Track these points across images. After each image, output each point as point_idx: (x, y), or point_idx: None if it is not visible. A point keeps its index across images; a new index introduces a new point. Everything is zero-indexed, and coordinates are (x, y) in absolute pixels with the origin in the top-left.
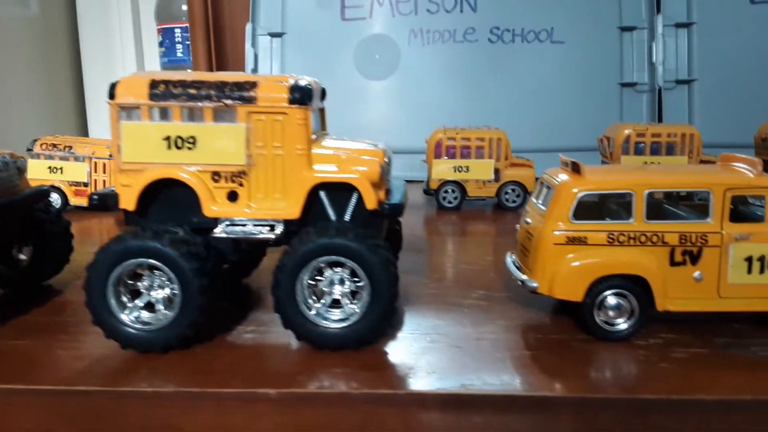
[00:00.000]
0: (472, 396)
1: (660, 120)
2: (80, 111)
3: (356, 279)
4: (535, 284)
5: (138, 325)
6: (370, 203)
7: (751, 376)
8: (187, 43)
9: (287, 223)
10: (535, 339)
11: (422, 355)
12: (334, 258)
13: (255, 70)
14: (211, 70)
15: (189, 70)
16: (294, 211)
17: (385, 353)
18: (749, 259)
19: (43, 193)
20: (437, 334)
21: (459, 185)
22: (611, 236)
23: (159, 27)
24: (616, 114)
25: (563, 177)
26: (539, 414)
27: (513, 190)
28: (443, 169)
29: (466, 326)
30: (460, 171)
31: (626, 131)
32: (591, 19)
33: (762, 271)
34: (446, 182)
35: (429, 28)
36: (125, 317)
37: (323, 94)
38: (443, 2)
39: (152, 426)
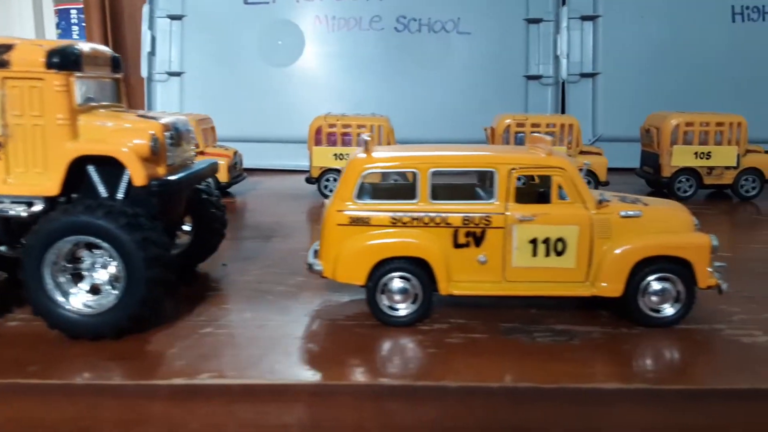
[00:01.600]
0: (204, 386)
1: (563, 112)
2: None
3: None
4: (320, 267)
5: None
6: (138, 179)
7: (516, 361)
8: (84, 24)
9: (50, 200)
10: (321, 325)
11: (186, 343)
12: (83, 238)
13: (152, 53)
14: None
15: None
16: (53, 187)
17: (147, 342)
18: (534, 242)
19: (215, 168)
20: (218, 322)
21: (341, 173)
22: (394, 217)
23: (56, 8)
24: (521, 106)
25: (353, 156)
26: (277, 402)
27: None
28: (323, 157)
29: (250, 312)
30: (341, 158)
31: (506, 121)
32: (497, 10)
33: (548, 254)
34: (328, 170)
35: (334, 14)
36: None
37: (116, 63)
38: None
39: None
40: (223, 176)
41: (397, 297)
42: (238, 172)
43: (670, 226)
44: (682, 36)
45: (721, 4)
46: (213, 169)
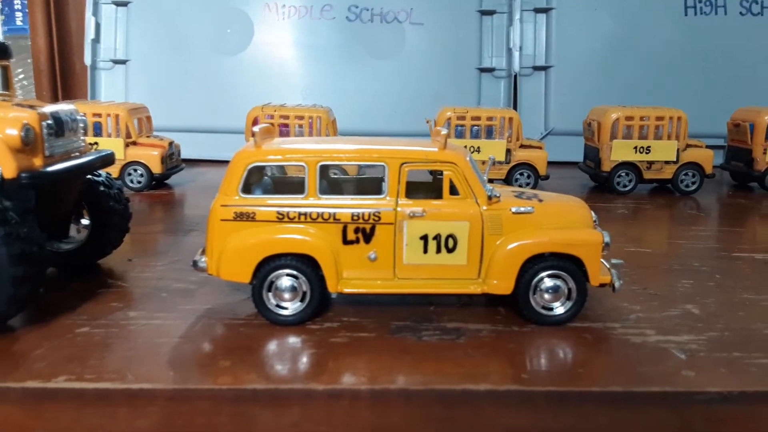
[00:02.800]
0: (57, 390)
1: (515, 106)
2: None
3: None
4: (204, 264)
5: None
6: (7, 171)
7: (394, 360)
8: (27, 11)
9: None
10: (205, 325)
11: (55, 343)
12: None
13: (96, 40)
14: (50, 40)
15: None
16: None
17: (15, 341)
18: (425, 238)
19: (110, 159)
20: (98, 321)
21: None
22: (280, 212)
23: None
24: (474, 98)
25: (241, 148)
26: (131, 407)
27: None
28: None
29: (137, 311)
30: None
31: (447, 114)
32: (451, 1)
33: (438, 250)
34: None
35: (284, 3)
36: None
37: (4, 50)
38: None
39: None
40: (156, 167)
41: (286, 295)
42: (174, 163)
43: (565, 222)
44: (635, 29)
45: None
46: (106, 160)
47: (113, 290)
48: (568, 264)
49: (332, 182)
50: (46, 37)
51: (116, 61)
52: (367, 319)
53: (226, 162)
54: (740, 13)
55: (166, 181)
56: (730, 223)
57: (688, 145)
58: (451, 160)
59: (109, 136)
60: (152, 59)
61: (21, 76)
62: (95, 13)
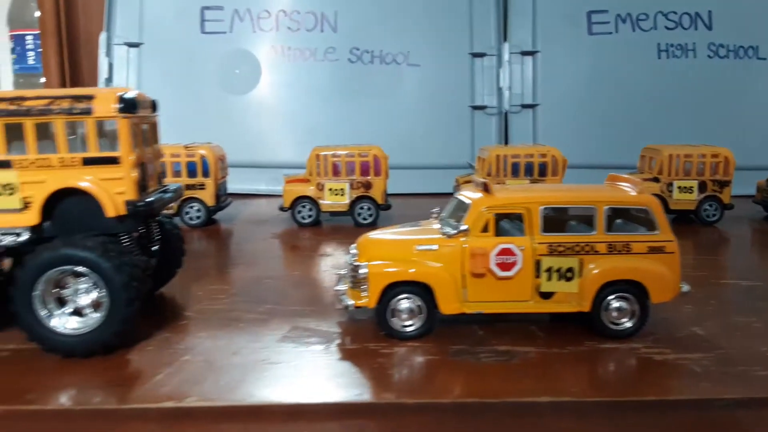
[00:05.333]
0: (191, 409)
1: (506, 141)
2: None
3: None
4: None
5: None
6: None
7: (463, 379)
8: (39, 50)
9: None
10: (292, 351)
11: (167, 370)
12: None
13: (109, 80)
14: (63, 78)
15: (42, 80)
16: None
17: (131, 370)
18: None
19: (181, 192)
20: (194, 350)
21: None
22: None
23: (11, 33)
24: (468, 134)
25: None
26: (251, 424)
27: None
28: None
29: (224, 340)
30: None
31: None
32: (445, 44)
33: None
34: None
35: (290, 45)
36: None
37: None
38: (304, 21)
39: None
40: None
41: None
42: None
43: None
44: (613, 70)
45: (648, 42)
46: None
47: (193, 321)
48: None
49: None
50: (58, 76)
51: None
52: (426, 344)
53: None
54: (708, 56)
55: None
56: (720, 252)
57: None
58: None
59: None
60: (163, 98)
61: None
62: (108, 53)
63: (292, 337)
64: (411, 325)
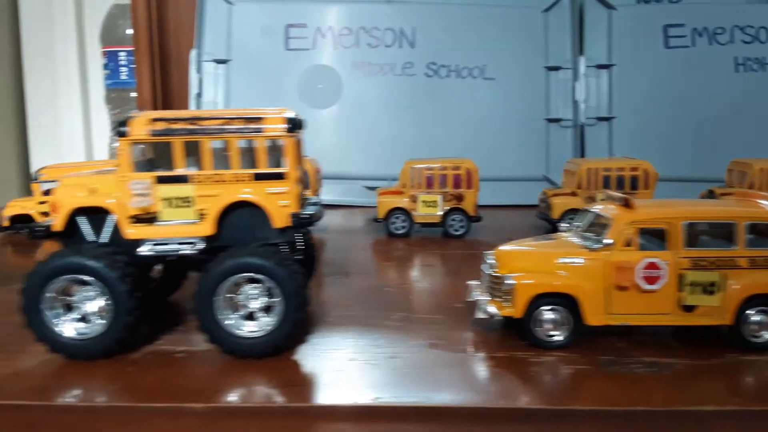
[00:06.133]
0: (376, 408)
1: (583, 154)
2: (21, 132)
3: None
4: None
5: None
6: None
7: (624, 389)
8: (132, 66)
9: None
10: (445, 356)
11: (339, 371)
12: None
13: (200, 94)
14: (154, 93)
15: (133, 94)
16: None
17: (304, 370)
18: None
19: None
20: (354, 353)
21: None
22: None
23: (103, 50)
24: (543, 147)
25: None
26: (432, 424)
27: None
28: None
29: (381, 346)
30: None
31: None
32: (520, 58)
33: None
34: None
35: (370, 60)
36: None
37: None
38: (383, 38)
39: None
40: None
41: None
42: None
43: None
44: (689, 84)
45: (725, 56)
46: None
47: (336, 326)
48: None
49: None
50: (150, 91)
51: None
52: (572, 354)
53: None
54: None
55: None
56: None
57: None
58: None
59: None
60: None
61: None
62: (198, 70)
63: (439, 344)
64: (556, 335)
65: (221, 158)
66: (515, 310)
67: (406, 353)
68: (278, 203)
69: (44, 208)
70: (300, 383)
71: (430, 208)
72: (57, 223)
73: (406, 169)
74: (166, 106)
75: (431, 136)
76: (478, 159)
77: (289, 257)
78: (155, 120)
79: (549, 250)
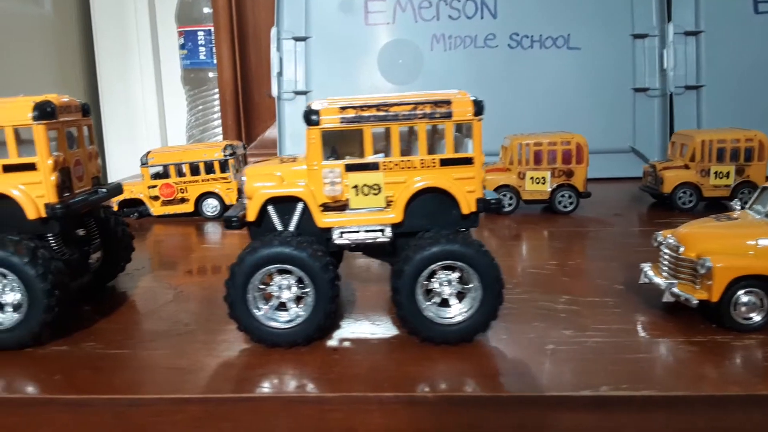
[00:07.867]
0: (607, 397)
1: (671, 124)
2: (94, 116)
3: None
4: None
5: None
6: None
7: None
8: (210, 45)
9: None
10: (643, 341)
11: (539, 359)
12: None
13: (280, 73)
14: (235, 73)
15: (211, 74)
16: None
17: (505, 359)
18: None
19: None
20: (550, 341)
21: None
22: None
23: (180, 29)
24: (629, 117)
25: None
26: (675, 413)
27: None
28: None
29: (567, 331)
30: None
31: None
32: (605, 26)
33: None
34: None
35: (451, 33)
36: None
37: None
38: (464, 9)
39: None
40: None
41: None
42: None
43: None
44: None
45: None
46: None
47: (514, 311)
48: None
49: None
50: (231, 70)
51: (298, 92)
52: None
53: None
54: None
55: None
56: None
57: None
58: None
59: None
60: (330, 89)
61: (200, 107)
62: (278, 48)
63: (630, 329)
64: (753, 317)
65: (406, 144)
66: (711, 294)
67: (607, 338)
68: (465, 189)
69: (154, 192)
70: (502, 373)
71: (538, 185)
72: (250, 213)
73: (514, 145)
74: (245, 86)
75: (515, 108)
76: (566, 129)
77: (482, 244)
78: (345, 107)
79: (740, 231)
